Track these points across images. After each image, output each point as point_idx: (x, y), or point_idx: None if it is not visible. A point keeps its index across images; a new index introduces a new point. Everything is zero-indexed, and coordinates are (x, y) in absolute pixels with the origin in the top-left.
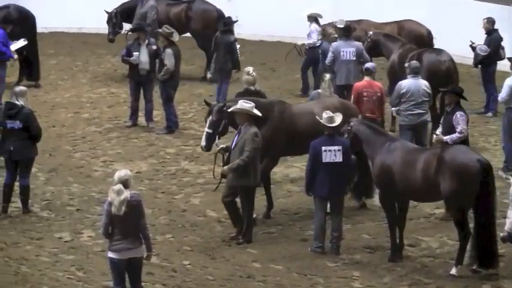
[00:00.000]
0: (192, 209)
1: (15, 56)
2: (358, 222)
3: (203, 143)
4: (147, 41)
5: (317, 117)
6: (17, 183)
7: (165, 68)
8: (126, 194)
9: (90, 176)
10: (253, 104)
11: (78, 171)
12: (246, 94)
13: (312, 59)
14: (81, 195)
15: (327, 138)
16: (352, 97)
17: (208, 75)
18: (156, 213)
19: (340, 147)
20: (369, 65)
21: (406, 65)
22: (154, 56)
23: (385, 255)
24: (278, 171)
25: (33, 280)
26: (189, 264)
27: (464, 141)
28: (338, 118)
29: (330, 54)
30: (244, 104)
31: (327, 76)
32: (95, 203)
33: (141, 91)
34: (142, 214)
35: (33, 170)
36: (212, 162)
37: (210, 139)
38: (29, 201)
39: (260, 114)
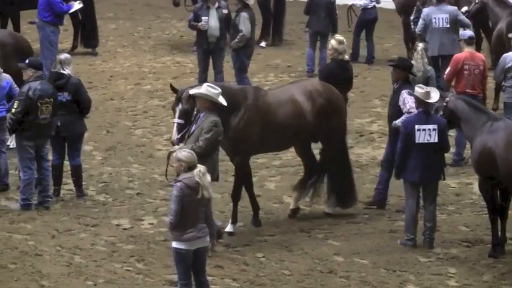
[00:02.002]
0: (267, 195)
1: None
2: (454, 212)
3: (174, 136)
4: (217, 4)
5: (416, 90)
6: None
7: (240, 34)
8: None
9: (152, 156)
10: (219, 91)
11: (138, 150)
12: (337, 65)
13: (365, 22)
14: (142, 177)
15: (421, 116)
16: (449, 70)
17: (263, 44)
18: (226, 198)
19: (435, 126)
20: (470, 33)
21: (510, 35)
22: (225, 21)
23: (485, 250)
24: (364, 153)
25: (88, 272)
26: (263, 257)
27: None
28: (435, 94)
29: (420, 22)
30: (209, 89)
31: (420, 45)
32: (157, 186)
33: (210, 60)
34: (211, 198)
35: (89, 148)
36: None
37: (182, 131)
38: (83, 183)
39: (225, 104)
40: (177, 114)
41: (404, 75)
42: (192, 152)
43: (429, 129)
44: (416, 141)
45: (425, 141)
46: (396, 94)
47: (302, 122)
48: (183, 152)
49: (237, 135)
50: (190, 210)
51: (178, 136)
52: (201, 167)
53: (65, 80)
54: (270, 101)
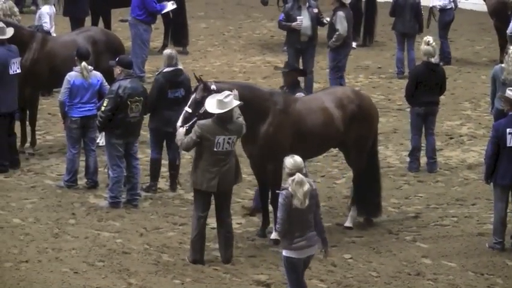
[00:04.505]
0: None
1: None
2: None
3: (178, 123)
4: (307, 4)
5: (508, 93)
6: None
7: (337, 33)
8: (308, 184)
9: (241, 156)
10: (222, 98)
11: None
12: (425, 67)
13: (445, 23)
14: None
15: None
16: None
17: (354, 45)
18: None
19: None
20: None
21: None
22: (316, 20)
23: None
24: (454, 156)
25: (176, 270)
26: (351, 258)
27: None
28: None
29: None
30: (212, 98)
31: (511, 48)
32: (246, 186)
33: (301, 61)
34: (319, 204)
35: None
36: None
37: (188, 120)
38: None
39: (214, 112)
40: (189, 102)
41: (294, 78)
42: (300, 159)
43: None
44: (508, 144)
45: None
46: None
47: (332, 130)
48: (290, 159)
49: (267, 141)
50: (298, 217)
51: (181, 124)
52: (299, 177)
53: (183, 77)
54: (300, 108)
